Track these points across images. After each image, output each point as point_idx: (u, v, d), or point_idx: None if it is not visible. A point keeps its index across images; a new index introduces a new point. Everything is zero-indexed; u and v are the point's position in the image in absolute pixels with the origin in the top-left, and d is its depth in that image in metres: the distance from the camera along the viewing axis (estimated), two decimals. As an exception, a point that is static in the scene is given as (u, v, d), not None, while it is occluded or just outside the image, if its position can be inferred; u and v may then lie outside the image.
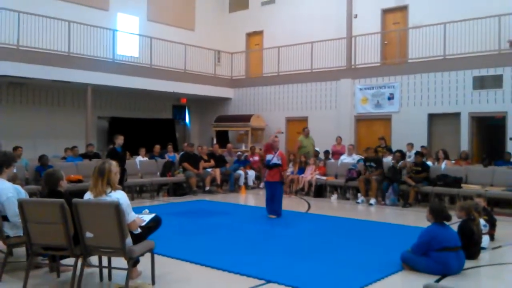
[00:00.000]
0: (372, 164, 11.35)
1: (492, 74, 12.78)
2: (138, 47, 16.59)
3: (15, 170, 8.21)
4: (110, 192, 4.48)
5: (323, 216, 9.37)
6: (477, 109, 13.04)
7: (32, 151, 13.42)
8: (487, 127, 13.82)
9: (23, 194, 5.21)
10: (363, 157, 12.79)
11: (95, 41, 14.53)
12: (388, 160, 11.85)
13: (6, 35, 12.53)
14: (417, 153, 11.30)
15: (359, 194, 11.38)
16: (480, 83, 12.95)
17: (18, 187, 5.31)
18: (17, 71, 12.48)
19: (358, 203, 11.13)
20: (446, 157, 11.59)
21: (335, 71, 15.83)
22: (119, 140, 10.50)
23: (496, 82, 12.71)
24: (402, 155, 11.34)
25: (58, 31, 13.50)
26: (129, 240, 4.47)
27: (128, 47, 16.32)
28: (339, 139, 14.22)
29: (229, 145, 15.78)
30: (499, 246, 6.72)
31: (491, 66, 12.79)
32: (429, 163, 11.42)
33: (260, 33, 19.27)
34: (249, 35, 19.75)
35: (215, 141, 16.89)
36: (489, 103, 12.83)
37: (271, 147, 9.25)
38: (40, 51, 12.99)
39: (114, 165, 4.60)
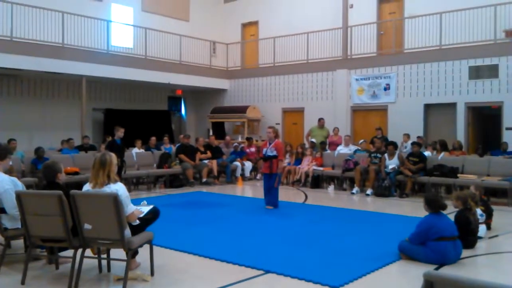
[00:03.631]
0: (378, 155, 11.34)
1: (488, 64, 12.80)
2: (132, 38, 16.50)
3: (11, 163, 8.17)
4: (109, 184, 4.46)
5: (321, 207, 9.39)
6: (473, 99, 13.06)
7: (27, 143, 13.37)
8: (483, 117, 13.87)
9: (20, 187, 5.17)
10: (360, 148, 12.83)
11: (89, 32, 14.42)
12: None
13: (-1, 26, 12.43)
14: (414, 143, 11.31)
15: (355, 185, 11.39)
16: (476, 73, 12.97)
17: (15, 179, 5.27)
18: (11, 62, 12.39)
19: (353, 193, 11.14)
20: (445, 149, 11.59)
21: (331, 61, 15.81)
22: (120, 132, 10.43)
23: (492, 72, 12.73)
24: (395, 147, 11.35)
25: (51, 22, 13.39)
26: (127, 232, 4.46)
27: (122, 38, 16.23)
28: (336, 130, 14.22)
29: (227, 138, 15.76)
30: (496, 236, 6.75)
31: (487, 56, 12.80)
32: (428, 153, 11.44)
33: (255, 23, 19.18)
34: (245, 25, 19.65)
35: (211, 133, 16.85)
36: (485, 93, 12.86)
37: (267, 139, 9.28)
38: (33, 43, 12.89)
39: (114, 157, 4.59)
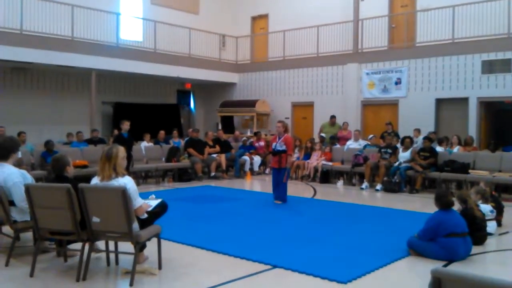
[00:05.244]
0: (388, 150, 11.26)
1: (501, 58, 12.62)
2: (142, 31, 16.49)
3: (20, 155, 8.22)
4: (116, 177, 4.46)
5: (329, 202, 9.35)
6: (486, 94, 12.89)
7: (37, 136, 13.44)
8: (496, 112, 13.69)
9: (29, 179, 5.19)
10: (369, 143, 12.76)
11: (98, 26, 14.43)
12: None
13: (9, 19, 12.48)
14: (425, 138, 11.22)
15: (365, 180, 11.33)
16: (489, 67, 12.79)
17: (24, 172, 5.29)
18: (20, 56, 12.45)
19: (362, 189, 11.08)
20: (460, 143, 11.49)
21: (341, 55, 15.68)
22: (125, 125, 10.48)
23: (505, 66, 12.55)
24: (411, 141, 11.30)
25: (61, 16, 13.42)
26: (135, 225, 4.46)
27: (132, 31, 16.22)
28: (346, 125, 14.14)
29: (236, 132, 15.74)
30: (506, 232, 6.67)
31: (500, 50, 12.62)
32: (441, 148, 11.32)
33: (265, 16, 19.07)
34: (254, 18, 19.55)
35: (220, 127, 16.84)
36: (497, 87, 12.68)
37: (277, 134, 9.25)
38: (43, 36, 12.93)
39: (121, 150, 4.58)
